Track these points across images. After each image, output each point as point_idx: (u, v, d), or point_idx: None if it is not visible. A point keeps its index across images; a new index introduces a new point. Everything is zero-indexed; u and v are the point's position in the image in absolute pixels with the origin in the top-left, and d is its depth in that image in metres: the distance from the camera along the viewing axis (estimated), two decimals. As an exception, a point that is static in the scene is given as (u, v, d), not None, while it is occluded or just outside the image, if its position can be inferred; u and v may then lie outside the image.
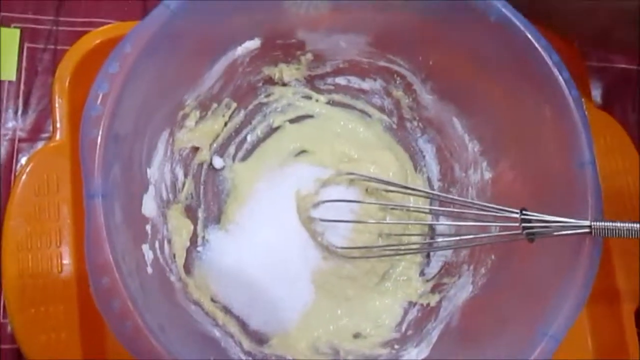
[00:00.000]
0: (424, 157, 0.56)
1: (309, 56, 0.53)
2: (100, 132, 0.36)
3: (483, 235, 0.47)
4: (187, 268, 0.49)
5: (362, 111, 0.56)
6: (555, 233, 0.42)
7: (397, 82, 0.54)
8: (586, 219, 0.41)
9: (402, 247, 0.52)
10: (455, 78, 0.51)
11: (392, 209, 0.53)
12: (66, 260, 0.45)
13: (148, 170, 0.46)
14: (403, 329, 0.52)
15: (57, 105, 0.48)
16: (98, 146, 0.36)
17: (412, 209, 0.53)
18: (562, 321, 0.40)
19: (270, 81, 0.54)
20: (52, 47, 0.54)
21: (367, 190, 0.53)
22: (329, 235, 0.51)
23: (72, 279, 0.45)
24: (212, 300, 0.49)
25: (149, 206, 0.45)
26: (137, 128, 0.42)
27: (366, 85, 0.55)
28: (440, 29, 0.48)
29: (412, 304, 0.53)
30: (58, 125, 0.47)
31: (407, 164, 0.56)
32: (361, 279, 0.52)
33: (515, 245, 0.47)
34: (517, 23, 0.44)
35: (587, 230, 0.41)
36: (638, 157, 0.55)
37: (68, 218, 0.46)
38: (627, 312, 0.51)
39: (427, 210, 0.54)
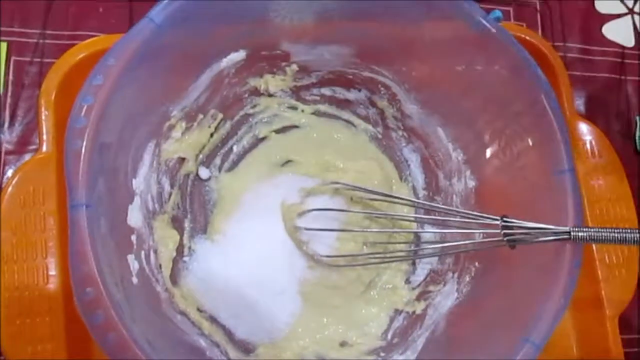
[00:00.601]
0: (409, 166, 0.57)
1: (294, 67, 0.53)
2: (84, 144, 0.37)
3: (466, 241, 0.47)
4: (174, 278, 0.49)
5: (347, 121, 0.57)
6: (535, 240, 0.43)
7: (382, 92, 0.55)
8: (566, 226, 0.42)
9: (388, 255, 0.53)
10: (439, 88, 0.52)
11: (377, 217, 0.53)
12: (52, 272, 0.45)
13: (134, 181, 0.46)
14: (389, 336, 0.52)
15: (43, 117, 0.48)
16: (82, 157, 0.37)
17: (396, 217, 0.54)
18: (543, 327, 0.41)
19: (256, 92, 0.54)
20: (39, 60, 0.55)
21: (351, 199, 0.53)
22: (314, 244, 0.51)
23: (59, 291, 0.45)
24: (199, 310, 0.49)
25: (134, 217, 0.45)
26: (122, 139, 0.43)
27: (351, 95, 0.56)
28: (421, 40, 0.48)
29: (397, 312, 0.53)
30: (44, 137, 0.47)
31: (392, 173, 0.56)
32: (347, 288, 0.53)
33: (499, 252, 0.48)
34: (496, 34, 0.45)
35: (566, 236, 0.42)
36: (620, 165, 0.55)
37: (54, 230, 0.46)
38: (611, 319, 0.52)
39: (411, 219, 0.55)
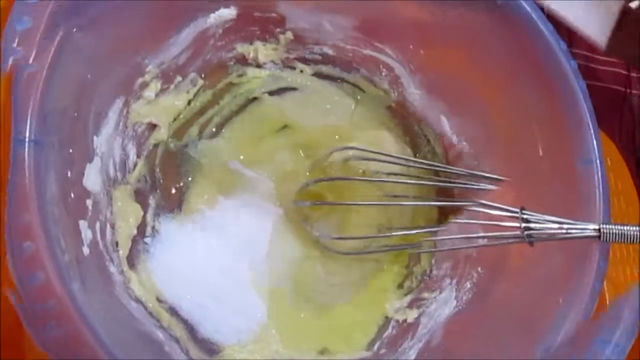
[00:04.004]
0: (428, 141, 0.50)
1: (289, 35, 0.48)
2: (39, 66, 0.30)
3: (480, 234, 0.42)
4: (131, 261, 0.42)
5: (354, 85, 0.50)
6: (559, 236, 0.37)
7: (383, 74, 0.49)
8: (593, 222, 0.37)
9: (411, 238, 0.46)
10: (448, 71, 0.47)
11: (395, 196, 0.46)
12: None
13: (95, 138, 0.39)
14: (375, 347, 0.46)
15: None
16: (36, 82, 0.29)
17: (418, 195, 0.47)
18: (569, 334, 0.35)
19: (243, 60, 0.49)
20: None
21: (364, 173, 0.46)
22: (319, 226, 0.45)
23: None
24: (158, 299, 0.42)
25: (92, 179, 0.38)
26: (84, 82, 0.36)
27: (347, 76, 0.50)
28: (438, 12, 0.44)
29: (387, 320, 0.47)
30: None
31: (407, 148, 0.50)
32: (333, 289, 0.46)
33: (506, 255, 0.43)
34: (526, 7, 0.40)
35: (595, 234, 0.36)
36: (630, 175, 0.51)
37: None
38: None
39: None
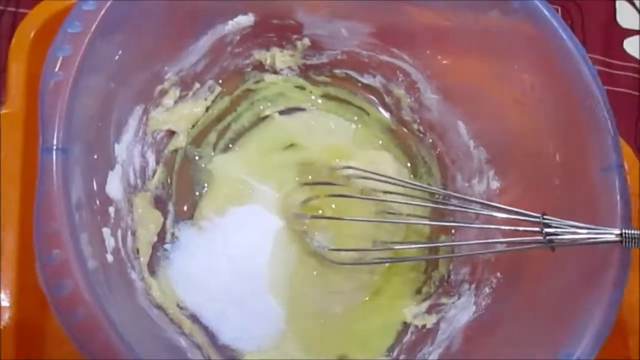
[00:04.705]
0: (425, 162, 0.51)
1: (306, 41, 0.48)
2: (66, 76, 0.30)
3: (496, 240, 0.42)
4: (151, 267, 0.42)
5: (359, 108, 0.51)
6: (580, 242, 0.37)
7: (400, 79, 0.49)
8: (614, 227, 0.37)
9: (403, 252, 0.47)
10: (465, 76, 0.47)
11: (391, 213, 0.47)
12: (10, 245, 0.38)
13: (116, 146, 0.39)
14: (395, 353, 0.45)
15: (12, 71, 0.41)
16: (62, 91, 0.30)
17: (412, 213, 0.47)
18: (590, 342, 0.35)
19: (260, 67, 0.49)
20: (13, 9, 0.48)
21: (362, 191, 0.47)
22: (318, 238, 0.45)
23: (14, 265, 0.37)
24: (179, 306, 0.42)
25: (114, 186, 0.38)
26: (107, 91, 0.36)
27: (365, 81, 0.51)
28: (454, 17, 0.44)
29: (405, 325, 0.47)
30: (12, 92, 0.41)
31: (405, 168, 0.51)
32: (349, 295, 0.46)
33: (525, 261, 0.43)
34: (544, 10, 0.40)
35: (617, 239, 0.36)
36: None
37: (13, 203, 0.39)
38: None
39: (427, 217, 0.49)
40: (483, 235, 0.46)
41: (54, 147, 0.29)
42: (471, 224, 0.46)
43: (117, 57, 0.36)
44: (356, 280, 0.46)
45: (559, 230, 0.37)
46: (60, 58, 0.31)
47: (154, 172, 0.44)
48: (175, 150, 0.46)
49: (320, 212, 0.46)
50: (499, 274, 0.45)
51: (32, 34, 0.43)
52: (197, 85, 0.46)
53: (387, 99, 0.51)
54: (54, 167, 0.29)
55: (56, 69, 0.30)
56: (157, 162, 0.45)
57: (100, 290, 0.30)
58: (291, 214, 0.45)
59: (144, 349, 0.31)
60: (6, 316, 0.37)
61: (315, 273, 0.46)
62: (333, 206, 0.46)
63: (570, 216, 0.38)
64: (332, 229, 0.46)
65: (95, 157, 0.35)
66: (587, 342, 0.35)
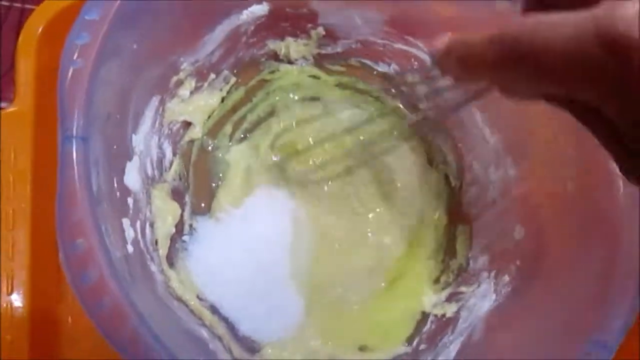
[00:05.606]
0: (441, 150, 0.51)
1: (320, 31, 0.48)
2: (86, 63, 0.30)
3: None
4: (170, 259, 0.42)
5: (374, 97, 0.51)
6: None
7: (415, 67, 0.49)
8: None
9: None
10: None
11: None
12: (22, 246, 0.38)
13: (134, 137, 0.39)
14: (415, 342, 0.45)
15: (21, 68, 0.41)
16: (82, 79, 0.29)
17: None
18: (617, 326, 0.35)
19: (274, 57, 0.49)
20: (19, 5, 0.48)
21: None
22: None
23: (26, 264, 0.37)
24: (199, 298, 0.42)
25: (132, 178, 0.38)
26: (124, 81, 0.36)
27: (380, 69, 0.50)
28: (470, 5, 0.43)
29: (425, 315, 0.46)
30: (21, 89, 0.41)
31: (421, 157, 0.50)
32: (367, 283, 0.46)
33: (544, 251, 0.42)
34: None
35: None
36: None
37: (24, 203, 0.39)
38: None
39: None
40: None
41: (74, 136, 0.29)
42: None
43: (134, 47, 0.35)
44: (369, 263, 0.46)
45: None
46: (79, 46, 0.30)
47: (171, 164, 0.44)
48: (192, 142, 0.46)
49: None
50: (518, 262, 0.44)
51: (39, 31, 0.42)
52: (212, 75, 0.45)
53: (403, 88, 0.50)
54: (75, 155, 0.28)
55: (75, 57, 0.30)
56: (174, 154, 0.45)
57: (124, 280, 0.29)
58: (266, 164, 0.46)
59: (170, 340, 0.31)
60: (19, 316, 0.37)
61: (337, 246, 0.46)
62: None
63: (590, 202, 0.38)
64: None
65: (115, 147, 0.35)
66: (617, 330, 0.35)
